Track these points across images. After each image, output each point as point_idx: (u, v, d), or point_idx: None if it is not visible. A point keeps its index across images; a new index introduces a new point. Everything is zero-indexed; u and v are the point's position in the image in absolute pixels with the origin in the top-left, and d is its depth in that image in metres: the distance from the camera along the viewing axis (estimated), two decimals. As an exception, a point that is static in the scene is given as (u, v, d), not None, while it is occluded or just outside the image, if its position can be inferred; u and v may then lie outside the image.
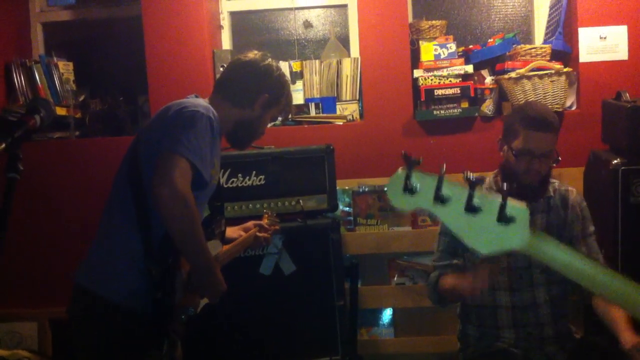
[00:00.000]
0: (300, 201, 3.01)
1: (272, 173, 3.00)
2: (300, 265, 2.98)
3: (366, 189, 3.44)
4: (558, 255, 0.98)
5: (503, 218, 0.92)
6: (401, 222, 3.44)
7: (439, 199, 0.93)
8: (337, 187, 3.33)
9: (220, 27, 3.86)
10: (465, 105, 3.46)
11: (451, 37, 3.55)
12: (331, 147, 3.08)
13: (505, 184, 2.22)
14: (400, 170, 0.98)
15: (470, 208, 0.93)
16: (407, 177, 0.96)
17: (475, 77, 3.58)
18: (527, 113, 2.34)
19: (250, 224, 2.56)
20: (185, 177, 1.84)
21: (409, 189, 0.95)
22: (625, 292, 0.99)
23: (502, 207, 0.91)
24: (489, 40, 3.67)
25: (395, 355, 3.43)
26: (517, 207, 0.93)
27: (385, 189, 1.00)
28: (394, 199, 0.97)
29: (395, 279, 3.46)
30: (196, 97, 2.14)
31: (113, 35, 4.05)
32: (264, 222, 2.58)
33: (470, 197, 0.93)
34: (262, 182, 3.00)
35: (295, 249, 2.98)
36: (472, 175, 0.92)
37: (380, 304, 3.45)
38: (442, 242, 2.47)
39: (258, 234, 2.52)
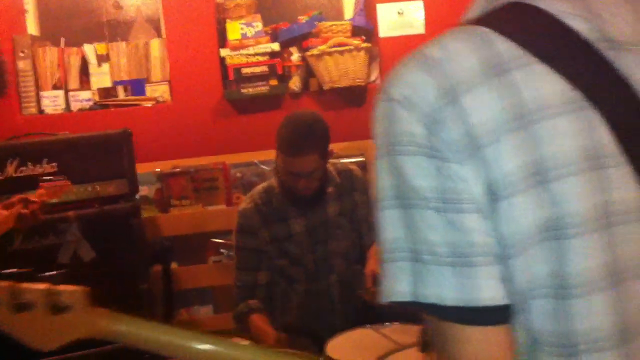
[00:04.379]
0: (97, 187, 2.97)
1: (66, 160, 2.94)
2: (102, 252, 2.95)
3: (179, 170, 3.44)
4: (138, 331, 0.94)
5: (55, 309, 0.87)
6: (215, 201, 3.47)
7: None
8: (149, 170, 3.31)
9: (25, 10, 3.70)
10: (274, 82, 3.52)
11: (259, 15, 3.58)
12: (128, 131, 3.05)
13: None
14: None
15: (18, 307, 0.86)
16: None
17: (285, 55, 3.64)
18: (282, 135, 2.28)
19: (15, 199, 2.28)
20: None
21: None
22: None
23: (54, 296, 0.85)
24: (299, 18, 3.74)
25: (215, 332, 3.48)
26: (72, 291, 0.88)
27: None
28: None
29: (213, 257, 3.49)
30: None
31: None
32: (37, 193, 2.32)
33: (15, 295, 0.85)
34: (55, 169, 2.93)
35: (95, 236, 2.94)
36: None
37: (199, 283, 3.48)
38: (242, 258, 2.43)
39: (22, 210, 2.22)
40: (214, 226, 3.44)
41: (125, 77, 3.56)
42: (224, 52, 3.49)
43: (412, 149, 0.68)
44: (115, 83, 3.55)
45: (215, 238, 3.49)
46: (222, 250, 3.49)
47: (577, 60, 0.69)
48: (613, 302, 0.66)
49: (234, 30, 3.50)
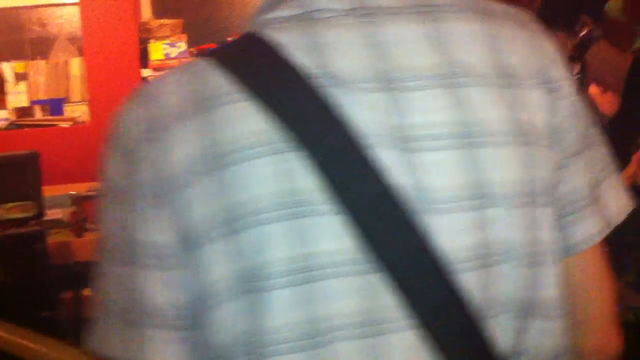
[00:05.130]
0: (2, 210, 2.86)
1: (-32, 181, 2.83)
2: (5, 277, 2.84)
3: (94, 193, 3.34)
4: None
5: None
6: (133, 225, 3.37)
7: None
8: (64, 193, 3.21)
9: (-57, 25, 3.61)
10: (197, 104, 3.45)
11: (184, 36, 3.53)
12: (36, 153, 2.95)
13: None
14: None
15: None
16: None
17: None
18: None
19: None
20: None
21: None
22: None
23: None
24: (228, 39, 3.69)
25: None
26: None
27: None
28: None
29: (130, 283, 3.39)
30: None
31: None
32: None
33: None
34: (-45, 191, 2.82)
35: (-2, 261, 2.83)
36: None
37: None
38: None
39: None
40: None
41: (43, 96, 3.47)
42: (145, 72, 3.43)
43: (110, 193, 0.63)
44: (33, 102, 3.46)
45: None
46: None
47: (289, 98, 0.63)
48: None
49: (157, 50, 3.44)
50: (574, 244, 0.73)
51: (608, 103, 2.05)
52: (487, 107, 0.66)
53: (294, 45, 0.64)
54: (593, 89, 2.08)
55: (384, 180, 0.62)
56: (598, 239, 0.74)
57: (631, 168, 1.79)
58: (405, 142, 0.63)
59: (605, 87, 2.05)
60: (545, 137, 0.69)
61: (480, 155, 0.65)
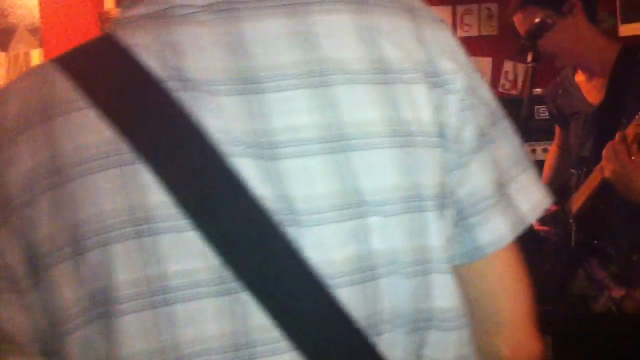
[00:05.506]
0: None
1: None
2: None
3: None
4: None
5: None
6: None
7: None
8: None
9: None
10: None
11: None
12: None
13: None
14: None
15: None
16: None
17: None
18: None
19: None
20: None
21: None
22: None
23: None
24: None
25: None
26: None
27: None
28: None
29: None
30: None
31: None
32: None
33: None
34: None
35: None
36: None
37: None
38: None
39: None
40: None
41: (3, 88, 3.40)
42: (107, 63, 3.37)
43: None
44: (-7, 95, 3.38)
45: None
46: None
47: (137, 105, 0.58)
48: None
49: (119, 40, 3.39)
50: (481, 246, 0.68)
51: (594, 91, 1.99)
52: (361, 107, 0.60)
53: (146, 46, 0.59)
54: (579, 76, 2.05)
55: (244, 192, 0.57)
56: (508, 240, 0.69)
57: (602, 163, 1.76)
58: (267, 148, 0.58)
59: (590, 75, 2.00)
60: (434, 136, 0.63)
61: (353, 160, 0.60)
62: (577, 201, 1.90)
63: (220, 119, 0.58)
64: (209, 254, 0.56)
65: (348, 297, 0.59)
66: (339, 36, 0.61)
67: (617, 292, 1.90)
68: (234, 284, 0.57)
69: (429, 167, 0.63)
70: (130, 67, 0.58)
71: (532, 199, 0.71)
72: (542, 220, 2.04)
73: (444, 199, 0.65)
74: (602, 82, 1.93)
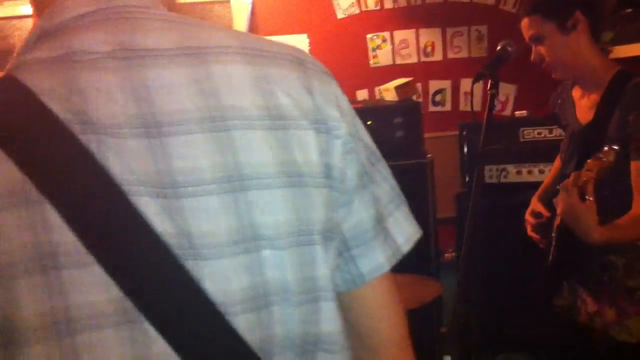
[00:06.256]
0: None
1: None
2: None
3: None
4: None
5: None
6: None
7: None
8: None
9: None
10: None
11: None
12: None
13: None
14: None
15: None
16: None
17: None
18: None
19: None
20: None
21: None
22: None
23: None
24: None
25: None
26: None
27: None
28: None
29: None
30: None
31: None
32: None
33: None
34: None
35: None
36: None
37: None
38: None
39: None
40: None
41: None
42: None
43: None
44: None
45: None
46: None
47: (42, 146, 0.61)
48: None
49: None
50: (363, 274, 0.76)
51: (585, 109, 2.00)
52: (256, 150, 0.66)
53: (51, 90, 0.62)
54: (576, 91, 2.06)
55: (145, 228, 0.61)
56: (386, 268, 0.77)
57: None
58: (169, 188, 0.63)
59: (585, 92, 2.01)
60: (321, 177, 0.69)
61: (248, 199, 0.65)
62: (558, 218, 1.94)
63: (124, 161, 0.62)
64: (112, 287, 0.61)
65: (244, 323, 0.65)
66: (236, 85, 0.66)
67: (592, 307, 1.94)
68: (135, 314, 0.61)
69: (317, 204, 0.69)
70: (33, 110, 0.61)
71: (405, 232, 0.78)
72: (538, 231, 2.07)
73: (330, 233, 0.71)
74: (594, 101, 1.94)
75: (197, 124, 0.64)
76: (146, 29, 0.67)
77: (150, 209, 0.62)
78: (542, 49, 1.92)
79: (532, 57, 1.96)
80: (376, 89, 3.61)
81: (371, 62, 3.60)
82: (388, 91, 3.06)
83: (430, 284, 1.89)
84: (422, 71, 3.63)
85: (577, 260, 1.95)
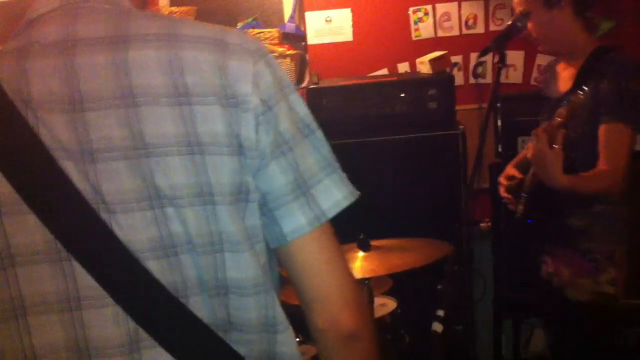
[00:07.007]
0: None
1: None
2: None
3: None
4: None
5: None
6: None
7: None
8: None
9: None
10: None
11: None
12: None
13: None
14: None
15: None
16: None
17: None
18: None
19: None
20: None
21: None
22: None
23: None
24: (238, 25, 3.87)
25: None
26: None
27: None
28: None
29: None
30: None
31: None
32: None
33: None
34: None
35: None
36: None
37: None
38: None
39: None
40: None
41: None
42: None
43: None
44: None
45: None
46: None
47: None
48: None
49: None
50: (284, 234, 0.85)
51: (565, 80, 2.15)
52: (159, 123, 0.79)
53: (8, 75, 0.81)
54: (560, 65, 2.21)
55: (68, 186, 0.78)
56: (306, 230, 0.85)
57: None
58: (86, 154, 0.79)
59: (567, 65, 2.16)
60: (227, 146, 0.81)
61: (151, 164, 0.79)
62: (528, 178, 2.07)
63: (53, 132, 0.79)
64: (45, 231, 0.78)
65: (155, 267, 0.79)
66: (148, 67, 0.80)
67: (551, 267, 2.09)
68: (65, 253, 0.78)
69: (221, 169, 0.81)
70: None
71: (332, 198, 0.86)
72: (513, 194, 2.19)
73: (243, 195, 0.82)
74: (573, 72, 2.07)
75: (110, 101, 0.79)
76: (87, 21, 0.82)
77: (73, 171, 0.78)
78: (529, 25, 2.03)
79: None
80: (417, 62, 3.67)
81: (413, 35, 3.65)
82: (423, 64, 3.14)
83: (441, 246, 2.02)
84: (464, 44, 3.66)
85: (543, 219, 2.08)
